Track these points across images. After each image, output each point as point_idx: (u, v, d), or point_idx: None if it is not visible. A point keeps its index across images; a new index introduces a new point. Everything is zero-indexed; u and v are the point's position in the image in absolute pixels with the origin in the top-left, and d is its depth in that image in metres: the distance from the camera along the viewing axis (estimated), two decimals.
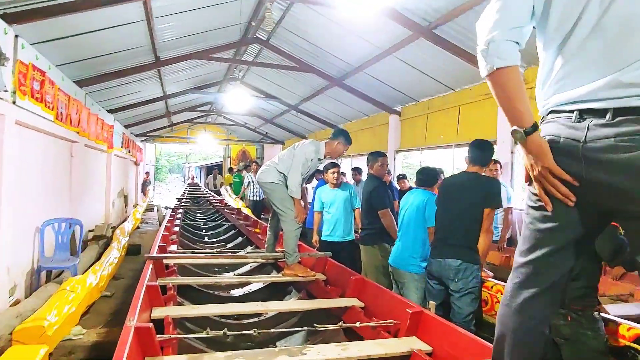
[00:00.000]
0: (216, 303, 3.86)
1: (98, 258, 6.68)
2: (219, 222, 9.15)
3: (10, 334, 3.54)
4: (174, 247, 4.79)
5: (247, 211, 9.13)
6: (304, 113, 11.87)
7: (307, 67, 8.36)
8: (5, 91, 3.86)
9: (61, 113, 5.65)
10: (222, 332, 2.23)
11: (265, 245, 4.32)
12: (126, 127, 12.29)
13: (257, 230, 6.53)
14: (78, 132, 6.59)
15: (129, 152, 12.97)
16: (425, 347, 2.21)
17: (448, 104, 7.18)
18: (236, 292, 4.49)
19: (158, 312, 2.58)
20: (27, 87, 4.41)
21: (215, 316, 2.89)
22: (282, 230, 4.06)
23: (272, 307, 2.84)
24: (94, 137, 7.63)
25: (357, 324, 2.49)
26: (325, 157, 3.91)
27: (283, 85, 10.39)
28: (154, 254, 3.70)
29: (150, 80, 8.90)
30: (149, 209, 13.48)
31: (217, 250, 6.55)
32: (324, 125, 12.19)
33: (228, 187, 14.94)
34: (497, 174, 5.15)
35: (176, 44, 7.14)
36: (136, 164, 15.39)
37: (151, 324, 2.03)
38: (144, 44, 6.54)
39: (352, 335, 2.72)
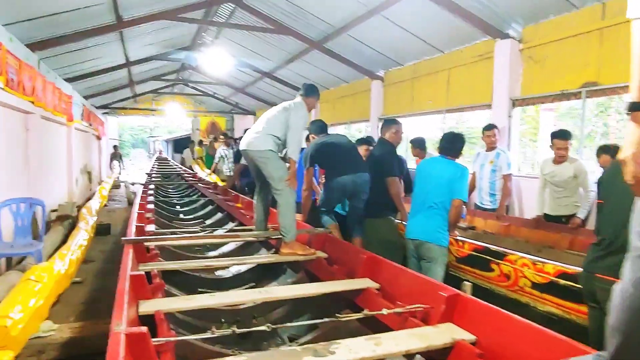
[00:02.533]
0: (208, 288, 3.51)
1: (64, 240, 6.11)
2: (193, 197, 8.64)
3: None
4: (151, 227, 4.33)
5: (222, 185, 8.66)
6: (279, 80, 11.29)
7: (284, 29, 7.80)
8: None
9: (12, 79, 4.95)
10: (230, 330, 1.86)
11: (255, 222, 3.94)
12: (86, 98, 11.38)
13: (239, 205, 6.10)
14: (33, 102, 5.88)
15: (91, 125, 12.07)
16: (469, 337, 1.92)
17: (436, 67, 6.84)
18: (224, 273, 4.12)
19: (146, 307, 2.18)
20: None
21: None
22: (273, 204, 3.69)
23: (278, 294, 2.49)
24: (51, 107, 6.89)
25: (384, 311, 2.17)
26: None
27: (257, 50, 9.75)
28: (132, 237, 3.25)
29: (112, 45, 8.11)
30: (116, 185, 12.72)
31: (198, 227, 6.15)
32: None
33: (199, 161, 14.31)
34: (495, 139, 4.91)
35: (141, 1, 6.42)
36: (99, 138, 14.44)
37: (145, 328, 1.64)
38: (104, 1, 5.82)
39: (370, 321, 2.41)
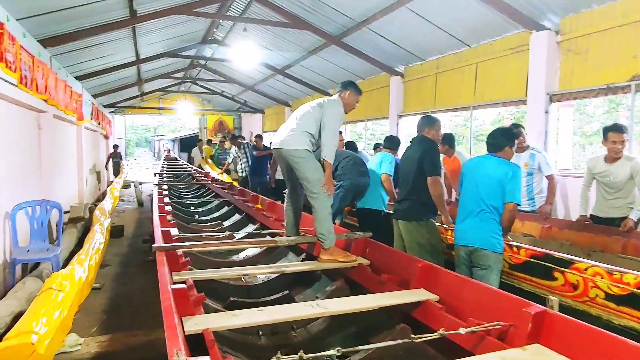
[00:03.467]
0: (239, 297, 3.28)
1: (78, 243, 5.90)
2: (207, 198, 8.40)
3: None
4: (174, 231, 4.09)
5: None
6: (291, 78, 11.05)
7: (301, 24, 7.54)
8: None
9: (25, 76, 4.73)
10: (297, 356, 1.62)
11: (286, 226, 3.71)
12: (94, 96, 11.16)
13: (259, 207, 5.87)
14: (46, 100, 5.66)
15: (99, 124, 11.87)
16: None
17: (463, 61, 6.58)
18: (252, 280, 3.89)
19: (193, 325, 1.95)
20: None
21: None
22: (308, 208, 3.47)
23: (334, 308, 2.25)
24: (62, 106, 6.66)
25: (461, 331, 1.92)
26: None
27: (270, 46, 9.50)
28: (162, 244, 3.01)
29: (123, 42, 7.89)
30: (126, 185, 12.50)
31: (217, 229, 5.92)
32: (312, 90, 11.40)
33: (209, 160, 14.09)
34: (522, 139, 4.59)
35: None
36: (106, 137, 14.25)
37: (207, 359, 1.41)
38: None
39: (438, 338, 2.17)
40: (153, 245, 2.91)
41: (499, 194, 3.04)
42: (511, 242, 3.31)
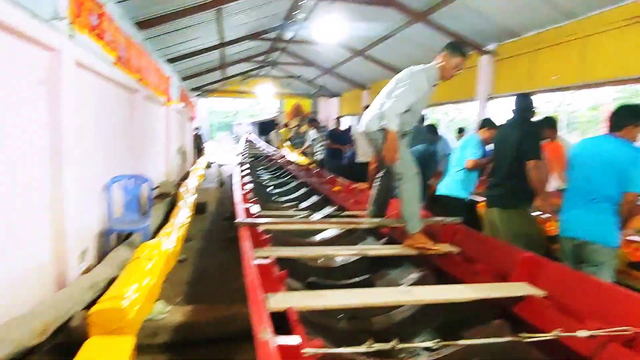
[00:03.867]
0: (318, 278, 3.20)
1: (165, 218, 6.21)
2: (285, 179, 8.48)
3: (84, 310, 3.02)
4: (255, 208, 4.10)
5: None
6: (371, 59, 10.75)
7: (385, 1, 7.23)
8: (61, 19, 3.16)
9: (121, 56, 4.97)
10: (390, 345, 1.47)
11: (368, 207, 3.56)
12: (181, 79, 11.69)
13: (338, 188, 5.75)
14: (139, 80, 5.95)
15: (185, 106, 12.45)
16: None
17: (567, 36, 5.89)
18: (330, 262, 3.80)
19: (277, 302, 1.87)
20: (84, 19, 3.70)
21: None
22: (393, 191, 3.29)
23: (425, 297, 2.07)
24: (153, 87, 7.00)
25: (581, 334, 1.65)
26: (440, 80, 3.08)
27: (351, 26, 9.25)
28: (245, 220, 2.99)
29: (209, 25, 8.10)
30: (208, 165, 13.06)
31: (293, 209, 5.92)
32: (391, 72, 11.00)
33: (286, 143, 14.28)
34: None
35: None
36: (191, 119, 14.94)
37: (297, 340, 1.31)
38: None
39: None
40: (235, 220, 2.89)
41: (616, 181, 2.63)
42: (631, 237, 2.88)
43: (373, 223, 3.27)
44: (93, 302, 3.17)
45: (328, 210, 5.66)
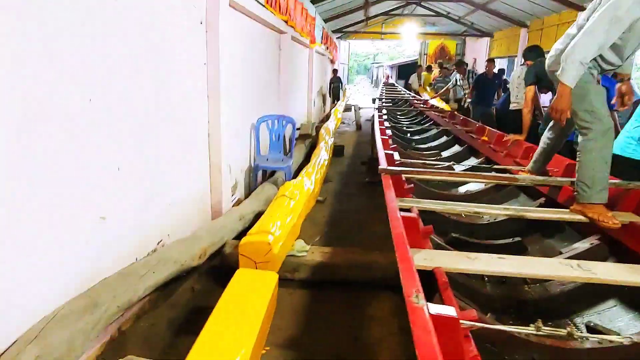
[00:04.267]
0: (461, 235, 2.96)
1: (305, 158, 6.44)
2: (424, 126, 8.06)
3: (235, 239, 3.28)
4: (395, 155, 3.93)
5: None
6: None
7: None
8: None
9: None
10: (566, 331, 1.23)
11: (533, 162, 3.11)
12: (324, 21, 11.64)
13: (485, 139, 5.23)
14: (286, 21, 6.02)
15: (327, 48, 12.48)
16: None
17: None
18: (475, 219, 3.49)
19: (422, 260, 1.72)
20: None
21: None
22: (561, 145, 2.80)
23: (603, 276, 1.72)
24: (299, 28, 7.05)
25: None
26: None
27: None
28: (387, 167, 2.85)
29: None
30: (347, 108, 13.12)
31: (434, 158, 5.61)
32: (560, 5, 9.39)
33: (427, 88, 13.53)
34: None
35: None
36: (332, 62, 15.01)
37: (453, 312, 1.16)
38: None
39: None
40: (379, 166, 2.77)
41: None
42: None
43: (535, 180, 2.85)
44: (242, 233, 3.46)
45: (473, 161, 5.23)
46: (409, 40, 17.92)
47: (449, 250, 2.37)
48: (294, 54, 7.57)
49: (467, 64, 12.47)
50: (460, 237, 2.96)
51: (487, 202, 3.82)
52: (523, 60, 5.43)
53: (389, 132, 5.40)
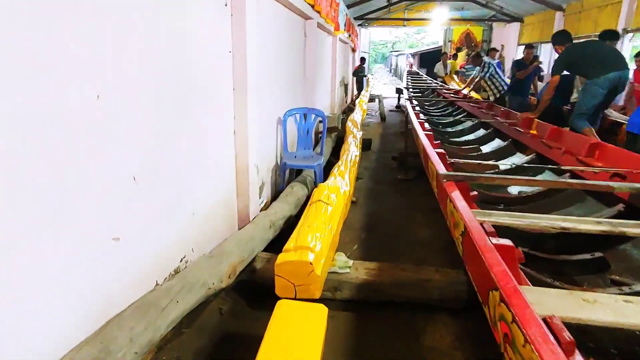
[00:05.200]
0: (537, 251, 2.53)
1: (333, 153, 6.02)
2: (457, 117, 7.54)
3: (265, 251, 2.90)
4: (438, 149, 3.49)
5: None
6: None
7: None
8: None
9: None
10: None
11: None
12: (347, 7, 11.12)
13: (534, 132, 4.74)
14: (313, 6, 5.57)
15: (349, 36, 11.96)
16: None
17: None
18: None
19: (541, 306, 1.29)
20: None
21: None
22: None
23: None
24: (324, 14, 6.59)
25: None
26: None
27: None
28: (449, 172, 2.41)
29: None
30: (371, 99, 12.61)
31: (474, 154, 5.13)
32: None
33: (454, 76, 12.93)
34: None
35: None
36: (353, 50, 14.47)
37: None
38: None
39: None
40: (442, 173, 2.34)
41: None
42: None
43: (634, 188, 2.38)
44: (272, 242, 3.09)
45: (520, 158, 4.75)
46: (433, 26, 17.19)
47: (549, 285, 1.94)
48: (319, 41, 7.12)
49: (496, 49, 11.82)
50: (529, 252, 2.54)
51: (548, 205, 3.37)
52: (552, 46, 5.20)
53: (427, 125, 4.94)
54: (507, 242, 1.53)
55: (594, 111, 4.73)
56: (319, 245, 2.43)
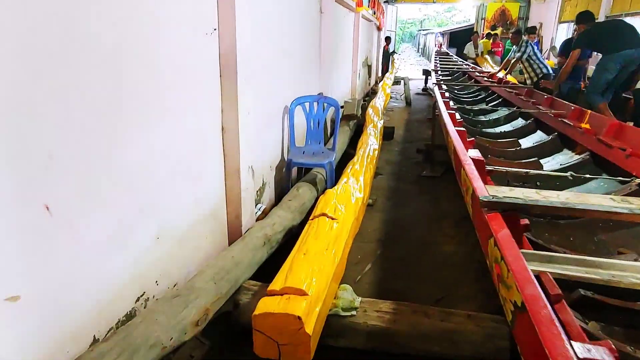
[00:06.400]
0: (623, 299, 1.89)
1: (350, 144, 5.39)
2: (492, 104, 6.76)
3: (254, 279, 2.36)
4: (474, 153, 2.84)
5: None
6: None
7: None
8: None
9: None
10: None
11: None
12: None
13: (586, 126, 4.00)
14: None
15: (374, 13, 11.14)
16: None
17: None
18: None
19: None
20: None
21: None
22: None
23: None
24: None
25: None
26: None
27: None
28: (495, 198, 1.76)
29: None
30: (395, 82, 11.80)
31: (512, 149, 4.42)
32: None
33: (487, 57, 11.97)
34: None
35: None
36: (379, 29, 13.60)
37: None
38: None
39: None
40: (481, 198, 1.71)
41: None
42: None
43: None
44: (267, 263, 2.54)
45: (568, 157, 4.04)
46: (465, 3, 16.10)
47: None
48: (338, 18, 6.42)
49: (534, 27, 10.81)
50: (594, 297, 1.90)
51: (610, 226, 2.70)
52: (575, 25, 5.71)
53: (458, 116, 4.26)
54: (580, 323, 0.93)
55: (607, 87, 5.08)
56: (316, 284, 1.86)
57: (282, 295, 1.75)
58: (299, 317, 1.60)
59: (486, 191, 1.76)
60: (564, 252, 1.83)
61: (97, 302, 1.60)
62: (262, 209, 3.11)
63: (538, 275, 1.39)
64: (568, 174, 2.51)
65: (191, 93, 2.19)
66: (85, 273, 1.53)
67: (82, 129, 1.46)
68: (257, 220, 2.96)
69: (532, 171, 2.70)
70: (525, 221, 1.77)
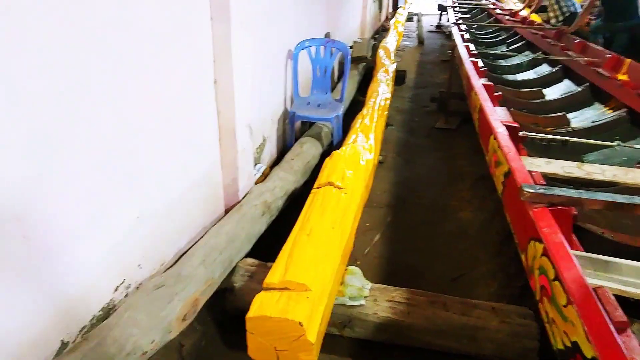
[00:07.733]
0: None
1: (359, 90, 4.97)
2: (513, 47, 6.18)
3: (251, 256, 2.12)
4: (501, 113, 2.49)
5: None
6: None
7: None
8: None
9: None
10: None
11: None
12: None
13: (624, 78, 3.58)
14: None
15: None
16: None
17: None
18: None
19: None
20: None
21: None
22: None
23: None
24: None
25: None
26: None
27: None
28: (541, 190, 1.43)
29: None
30: (408, 18, 10.96)
31: (537, 100, 4.02)
32: None
33: None
34: None
35: None
36: None
37: None
38: None
39: None
40: (524, 189, 1.39)
41: None
42: None
43: None
44: (266, 234, 2.30)
45: (600, 112, 3.67)
46: None
47: None
48: None
49: None
50: None
51: None
52: None
53: (481, 65, 3.81)
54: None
55: None
56: (321, 274, 1.61)
57: (281, 290, 1.50)
58: (301, 324, 1.36)
59: (530, 178, 1.44)
60: (623, 243, 1.54)
61: (66, 298, 1.36)
62: (261, 170, 2.81)
63: (595, 290, 1.12)
64: (615, 143, 2.17)
65: (176, 40, 1.82)
66: (47, 264, 1.28)
67: (41, 85, 1.14)
68: (256, 183, 2.67)
69: (572, 139, 2.34)
70: (573, 210, 1.47)
